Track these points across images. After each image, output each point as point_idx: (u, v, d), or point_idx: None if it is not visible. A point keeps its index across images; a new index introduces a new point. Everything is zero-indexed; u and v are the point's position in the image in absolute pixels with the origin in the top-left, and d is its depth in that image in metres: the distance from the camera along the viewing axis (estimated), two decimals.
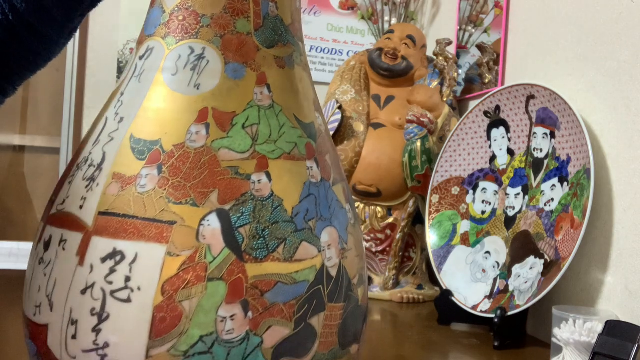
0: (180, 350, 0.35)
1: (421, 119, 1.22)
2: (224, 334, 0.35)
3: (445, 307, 1.04)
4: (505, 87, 1.07)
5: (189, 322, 0.35)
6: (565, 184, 0.95)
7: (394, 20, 1.68)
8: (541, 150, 1.02)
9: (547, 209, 0.97)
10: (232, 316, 0.36)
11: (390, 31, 1.41)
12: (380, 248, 1.28)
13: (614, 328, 0.71)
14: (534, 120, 1.04)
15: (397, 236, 1.26)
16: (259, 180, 0.39)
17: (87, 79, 1.62)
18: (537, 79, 1.08)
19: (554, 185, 0.97)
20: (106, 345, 0.35)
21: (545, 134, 1.01)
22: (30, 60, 0.58)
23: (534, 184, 1.02)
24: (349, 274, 0.45)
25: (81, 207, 0.38)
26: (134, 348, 0.34)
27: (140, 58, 0.42)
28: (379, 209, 1.28)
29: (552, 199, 0.97)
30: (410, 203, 1.26)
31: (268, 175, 0.39)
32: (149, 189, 0.37)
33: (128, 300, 0.35)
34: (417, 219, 1.27)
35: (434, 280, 1.27)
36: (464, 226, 1.12)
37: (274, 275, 0.38)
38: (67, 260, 0.37)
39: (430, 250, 1.12)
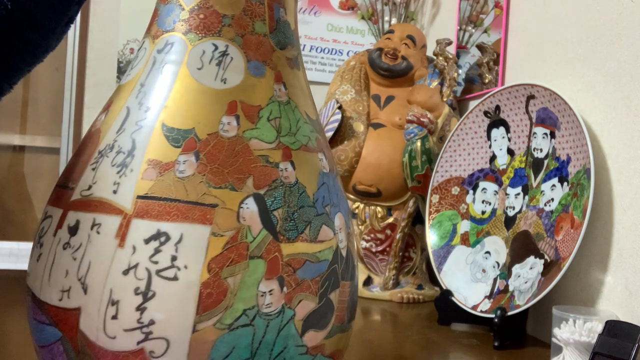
0: (225, 324, 0.37)
1: (421, 119, 1.22)
2: (263, 308, 0.39)
3: (445, 307, 1.04)
4: (505, 87, 1.07)
5: (233, 297, 0.37)
6: (565, 184, 0.95)
7: (394, 20, 1.68)
8: (541, 150, 1.02)
9: (547, 209, 0.97)
10: (270, 291, 0.39)
11: (390, 31, 1.41)
12: (380, 248, 1.28)
13: (614, 328, 0.71)
14: (534, 120, 1.04)
15: (397, 236, 1.26)
16: (285, 169, 0.43)
17: (87, 79, 1.62)
18: (537, 79, 1.08)
19: (554, 185, 0.97)
20: (151, 322, 0.37)
21: (545, 134, 1.01)
22: (29, 51, 0.58)
23: (534, 184, 1.02)
24: (353, 255, 0.49)
25: (115, 191, 0.39)
26: (180, 323, 0.36)
27: (159, 52, 0.44)
28: (379, 209, 1.28)
29: (552, 199, 0.97)
30: (410, 203, 1.26)
31: (292, 164, 0.44)
32: (188, 174, 0.39)
33: (175, 279, 0.37)
34: (417, 219, 1.27)
35: (434, 280, 1.27)
36: (464, 226, 1.12)
37: (303, 254, 0.42)
38: (104, 243, 0.38)
39: (430, 250, 1.12)
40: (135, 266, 0.37)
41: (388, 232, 1.28)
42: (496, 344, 0.91)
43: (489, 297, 1.00)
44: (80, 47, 1.60)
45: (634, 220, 0.85)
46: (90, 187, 0.40)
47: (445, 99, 1.29)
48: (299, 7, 1.70)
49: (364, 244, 1.29)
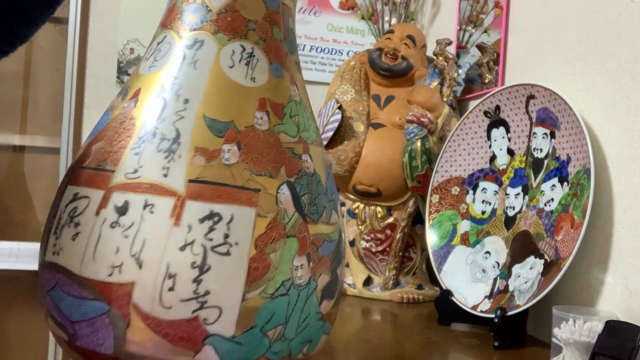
0: (268, 293, 0.43)
1: (421, 119, 1.22)
2: (296, 279, 0.45)
3: (445, 307, 1.04)
4: (505, 87, 1.07)
5: (274, 270, 0.44)
6: (565, 184, 0.95)
7: (394, 20, 1.68)
8: (541, 150, 1.02)
9: (547, 209, 0.97)
10: (301, 265, 0.46)
11: (390, 31, 1.41)
12: (380, 248, 1.28)
13: (614, 328, 0.71)
14: (534, 120, 1.04)
15: (397, 236, 1.26)
16: (306, 160, 0.49)
17: (87, 79, 1.62)
18: (537, 79, 1.08)
19: (554, 185, 0.97)
20: (207, 292, 0.41)
21: (545, 134, 1.01)
22: (9, 41, 0.59)
23: (534, 184, 1.02)
24: (343, 238, 0.55)
25: (165, 175, 0.43)
26: (232, 294, 0.42)
27: (188, 47, 0.48)
28: (379, 209, 1.28)
29: (552, 199, 0.97)
30: (410, 203, 1.26)
31: (310, 157, 0.50)
32: (233, 162, 0.45)
33: (227, 254, 0.42)
34: (417, 219, 1.27)
35: (434, 280, 1.27)
36: (464, 226, 1.12)
37: (322, 234, 0.49)
38: (158, 222, 0.42)
39: (430, 250, 1.12)
40: (192, 243, 0.41)
41: (388, 232, 1.28)
42: (496, 344, 0.91)
43: (489, 297, 1.00)
44: (80, 47, 1.60)
45: (634, 220, 0.85)
46: (136, 171, 0.43)
47: (445, 99, 1.29)
48: (299, 7, 1.70)
49: (364, 244, 1.29)
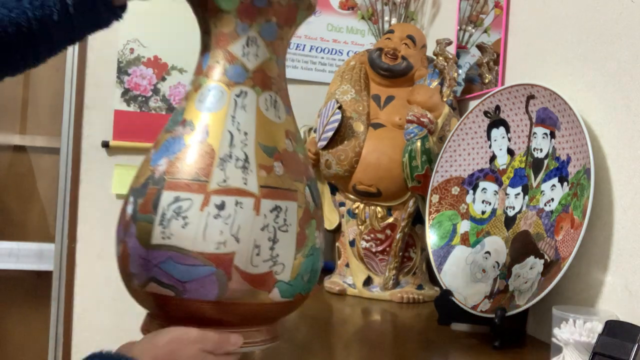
0: (306, 254, 0.67)
1: (421, 119, 1.22)
2: (317, 244, 0.70)
3: (445, 307, 1.04)
4: (505, 87, 1.07)
5: (307, 240, 0.68)
6: (565, 184, 0.95)
7: (394, 20, 1.68)
8: (541, 150, 1.02)
9: (547, 209, 0.97)
10: (318, 235, 0.70)
11: (390, 31, 1.41)
12: (380, 248, 1.28)
13: (614, 328, 0.71)
14: (534, 120, 1.04)
15: (397, 236, 1.26)
16: (310, 169, 0.73)
17: (87, 79, 1.62)
18: (537, 79, 1.08)
19: (554, 185, 0.97)
20: (277, 255, 0.65)
21: (545, 134, 1.01)
22: (26, 64, 0.68)
23: (534, 184, 1.02)
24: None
25: (245, 183, 0.65)
26: (290, 255, 0.66)
27: (237, 96, 0.69)
28: (379, 209, 1.28)
29: (552, 199, 0.97)
30: (410, 203, 1.26)
31: (311, 166, 0.75)
32: (281, 173, 0.67)
33: (286, 231, 0.66)
34: (417, 219, 1.27)
35: (434, 280, 1.27)
36: (464, 226, 1.12)
37: (321, 216, 0.75)
38: (246, 213, 0.64)
39: (430, 250, 1.12)
40: (267, 225, 0.65)
41: (388, 232, 1.28)
42: (496, 344, 0.91)
43: (489, 297, 1.00)
44: (80, 47, 1.60)
45: (634, 220, 0.85)
46: (225, 181, 0.65)
47: (445, 99, 1.29)
48: None
49: (364, 244, 1.29)
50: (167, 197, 0.64)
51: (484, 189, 1.12)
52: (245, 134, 0.67)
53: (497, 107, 1.09)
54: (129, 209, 0.67)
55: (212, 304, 0.63)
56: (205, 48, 0.72)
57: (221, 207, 0.63)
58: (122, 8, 0.71)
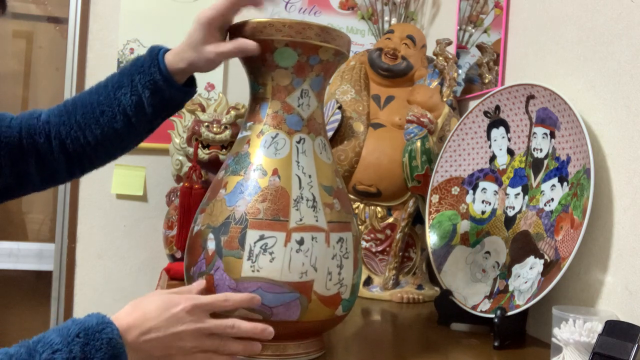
0: (357, 276, 0.81)
1: (421, 119, 1.22)
2: (359, 263, 0.83)
3: (445, 307, 1.04)
4: (505, 87, 1.07)
5: (358, 262, 0.82)
6: (565, 184, 0.95)
7: (394, 20, 1.68)
8: (541, 150, 1.02)
9: (547, 209, 0.97)
10: (360, 258, 0.84)
11: (390, 31, 1.41)
12: (380, 248, 1.28)
13: (613, 328, 0.71)
14: (534, 120, 1.04)
15: (397, 236, 1.26)
16: (348, 200, 0.86)
17: (87, 79, 1.61)
18: (537, 79, 1.08)
19: (553, 185, 0.97)
20: (343, 279, 0.77)
21: (545, 134, 1.01)
22: (34, 181, 0.87)
23: (534, 184, 1.02)
24: None
25: (316, 220, 0.76)
26: (350, 278, 0.79)
27: (298, 143, 0.79)
28: (379, 209, 1.28)
29: (552, 199, 0.97)
30: (410, 203, 1.26)
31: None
32: (339, 209, 0.80)
33: (348, 258, 0.78)
34: (417, 219, 1.27)
35: (434, 280, 1.27)
36: (464, 226, 1.12)
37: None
38: (320, 246, 0.76)
39: (430, 250, 1.12)
40: (335, 255, 0.77)
41: (388, 232, 1.28)
42: (496, 344, 0.91)
43: (489, 297, 1.00)
44: (80, 47, 1.60)
45: (634, 220, 0.85)
46: (301, 219, 0.76)
47: (445, 99, 1.29)
48: (299, 7, 1.71)
49: (364, 244, 1.29)
50: (252, 235, 0.74)
51: (483, 189, 1.12)
52: (310, 176, 0.78)
53: (497, 107, 1.09)
54: (211, 245, 0.76)
55: (294, 323, 0.75)
56: (261, 98, 0.81)
57: (301, 242, 0.75)
58: (191, 81, 0.83)
